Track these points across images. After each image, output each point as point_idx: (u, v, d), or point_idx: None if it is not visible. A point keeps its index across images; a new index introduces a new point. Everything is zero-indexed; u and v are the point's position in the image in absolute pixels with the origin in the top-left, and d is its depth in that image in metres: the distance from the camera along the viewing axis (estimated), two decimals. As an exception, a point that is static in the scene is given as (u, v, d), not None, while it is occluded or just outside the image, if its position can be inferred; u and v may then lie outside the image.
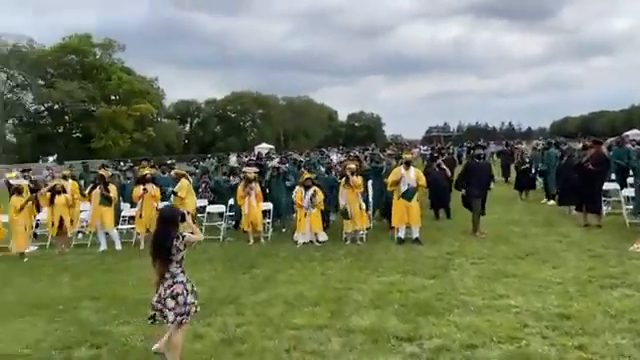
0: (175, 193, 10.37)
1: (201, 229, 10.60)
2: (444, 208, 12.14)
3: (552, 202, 13.72)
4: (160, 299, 4.32)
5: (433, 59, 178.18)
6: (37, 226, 11.33)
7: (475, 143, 24.02)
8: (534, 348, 4.64)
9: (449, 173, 12.21)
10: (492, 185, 10.48)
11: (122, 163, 24.25)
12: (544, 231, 9.96)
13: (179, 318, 4.29)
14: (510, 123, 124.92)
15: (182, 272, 4.39)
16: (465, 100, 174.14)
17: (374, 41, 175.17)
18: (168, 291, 4.29)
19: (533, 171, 14.70)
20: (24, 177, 12.57)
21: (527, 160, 14.86)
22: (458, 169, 15.02)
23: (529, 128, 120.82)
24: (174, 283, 4.31)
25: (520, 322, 5.24)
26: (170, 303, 4.27)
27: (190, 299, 4.36)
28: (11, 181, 11.94)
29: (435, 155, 13.51)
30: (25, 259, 9.58)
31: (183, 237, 4.37)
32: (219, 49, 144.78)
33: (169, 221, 4.43)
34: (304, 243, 9.71)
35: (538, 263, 7.58)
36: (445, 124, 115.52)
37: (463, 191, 10.07)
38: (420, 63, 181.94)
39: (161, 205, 11.15)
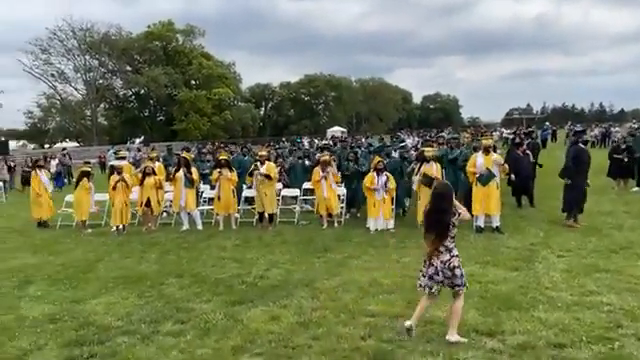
0: (269, 176, 10.47)
1: (276, 212, 10.95)
2: (527, 195, 11.53)
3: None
4: (437, 271, 4.56)
5: (515, 37, 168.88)
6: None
7: (574, 127, 22.28)
8: (629, 351, 4.31)
9: (532, 159, 11.65)
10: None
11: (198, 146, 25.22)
12: (640, 223, 9.21)
13: (457, 288, 4.56)
14: (601, 104, 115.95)
15: (455, 246, 4.61)
16: (550, 80, 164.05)
17: (452, 19, 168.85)
18: (446, 264, 4.53)
19: (626, 159, 13.53)
20: (123, 157, 13.53)
21: (623, 146, 13.68)
22: (542, 154, 14.26)
23: (622, 110, 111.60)
24: (451, 257, 4.55)
25: (613, 322, 4.88)
26: (447, 274, 4.53)
27: (464, 272, 4.61)
28: (113, 162, 12.85)
29: (519, 140, 12.81)
30: (116, 233, 10.32)
31: (459, 214, 4.61)
32: (293, 33, 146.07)
33: (447, 197, 4.64)
34: (377, 230, 9.61)
35: (633, 258, 7.01)
36: (528, 105, 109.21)
37: (568, 181, 9.23)
38: (501, 41, 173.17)
39: (245, 187, 11.56)
